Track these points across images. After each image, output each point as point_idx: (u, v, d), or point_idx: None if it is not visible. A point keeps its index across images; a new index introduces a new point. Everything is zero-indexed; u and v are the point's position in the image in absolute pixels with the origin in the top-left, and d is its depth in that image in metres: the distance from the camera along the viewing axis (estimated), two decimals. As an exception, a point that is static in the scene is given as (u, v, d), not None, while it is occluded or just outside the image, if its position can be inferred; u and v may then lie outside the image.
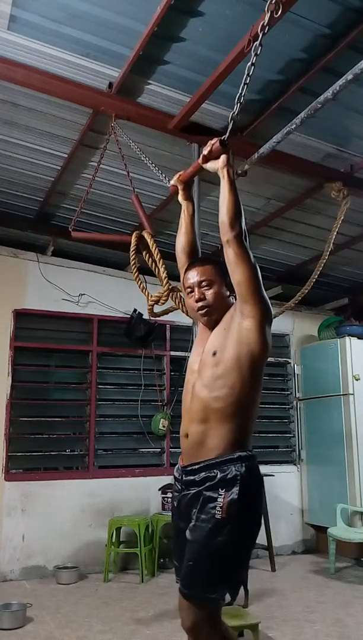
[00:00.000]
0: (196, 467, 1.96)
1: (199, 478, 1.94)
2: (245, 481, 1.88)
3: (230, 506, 1.84)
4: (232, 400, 1.93)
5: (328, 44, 2.78)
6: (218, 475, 1.89)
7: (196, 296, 2.11)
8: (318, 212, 4.54)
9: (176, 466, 2.13)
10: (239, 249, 1.93)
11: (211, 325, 2.10)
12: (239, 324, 1.97)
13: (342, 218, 3.90)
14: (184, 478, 2.01)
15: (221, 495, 1.86)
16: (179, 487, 2.05)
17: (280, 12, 2.27)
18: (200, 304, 2.10)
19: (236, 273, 1.94)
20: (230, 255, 1.94)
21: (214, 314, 2.09)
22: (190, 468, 1.98)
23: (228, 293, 2.10)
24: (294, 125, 2.77)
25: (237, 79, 2.94)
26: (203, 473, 1.93)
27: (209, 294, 2.09)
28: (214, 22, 2.68)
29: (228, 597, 1.86)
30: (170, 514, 4.94)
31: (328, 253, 3.99)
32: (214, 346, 2.01)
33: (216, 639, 1.90)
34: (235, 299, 2.05)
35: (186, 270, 2.21)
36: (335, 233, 3.94)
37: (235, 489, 1.86)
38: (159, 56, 2.93)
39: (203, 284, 2.10)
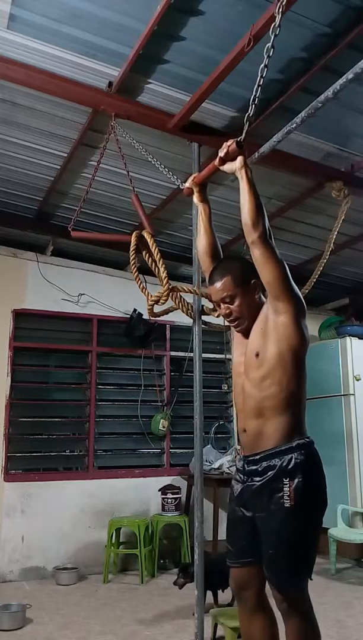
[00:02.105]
0: (257, 457, 2.04)
1: (261, 468, 2.02)
2: (306, 467, 1.97)
3: (297, 493, 1.93)
4: (282, 395, 2.02)
5: (329, 43, 2.76)
6: (279, 465, 1.97)
7: (223, 312, 2.18)
8: (318, 212, 4.53)
9: (238, 457, 2.24)
10: (265, 248, 1.97)
11: (246, 331, 2.15)
12: (274, 321, 2.03)
13: (343, 218, 3.89)
14: (246, 468, 2.09)
15: (286, 484, 1.94)
16: (242, 477, 2.12)
17: (280, 12, 2.27)
18: (229, 319, 2.18)
19: (265, 273, 1.99)
20: (257, 255, 1.98)
21: (244, 323, 2.16)
22: (252, 458, 2.07)
23: (255, 296, 2.15)
24: (294, 125, 2.76)
25: (237, 78, 2.94)
26: (265, 463, 2.01)
27: (234, 307, 2.15)
28: (215, 21, 2.66)
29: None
30: (170, 514, 4.98)
31: (328, 253, 3.98)
32: (256, 347, 2.07)
33: (309, 610, 2.03)
34: (264, 296, 2.10)
35: (209, 281, 2.26)
36: (336, 233, 3.93)
37: (298, 477, 1.94)
38: (159, 55, 2.92)
39: (226, 299, 2.15)
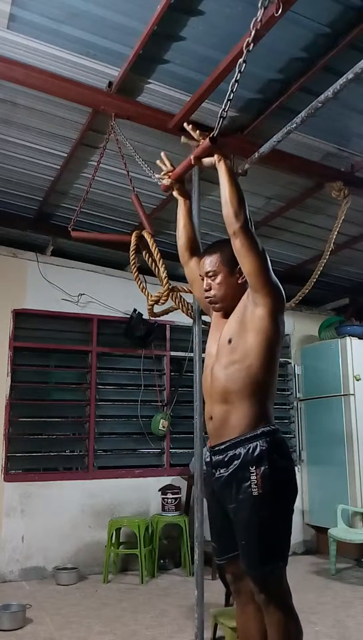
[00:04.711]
0: (222, 446, 2.03)
1: (227, 457, 2.01)
2: (271, 455, 1.95)
3: (264, 481, 1.92)
4: (250, 380, 2.01)
5: (329, 43, 2.76)
6: (244, 453, 1.96)
7: (204, 287, 2.20)
8: (318, 212, 4.53)
9: (205, 449, 2.21)
10: (246, 239, 1.96)
11: (224, 312, 2.18)
12: (252, 312, 2.03)
13: (343, 218, 3.89)
14: (213, 459, 2.08)
15: (252, 472, 1.93)
16: (210, 470, 2.11)
17: (280, 11, 2.28)
18: (206, 294, 2.20)
19: (245, 264, 1.99)
20: (237, 246, 1.98)
21: (220, 303, 2.18)
22: (217, 448, 2.06)
23: (239, 280, 2.15)
24: (294, 125, 2.76)
25: (237, 78, 2.94)
26: (230, 452, 2.00)
27: (214, 284, 2.17)
28: (215, 21, 2.66)
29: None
30: (170, 514, 4.98)
31: (328, 253, 3.98)
32: (230, 334, 2.08)
33: (288, 600, 1.98)
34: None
35: (201, 256, 2.30)
36: (336, 233, 3.92)
37: (265, 464, 1.93)
38: (159, 55, 2.92)
39: (209, 274, 2.18)
